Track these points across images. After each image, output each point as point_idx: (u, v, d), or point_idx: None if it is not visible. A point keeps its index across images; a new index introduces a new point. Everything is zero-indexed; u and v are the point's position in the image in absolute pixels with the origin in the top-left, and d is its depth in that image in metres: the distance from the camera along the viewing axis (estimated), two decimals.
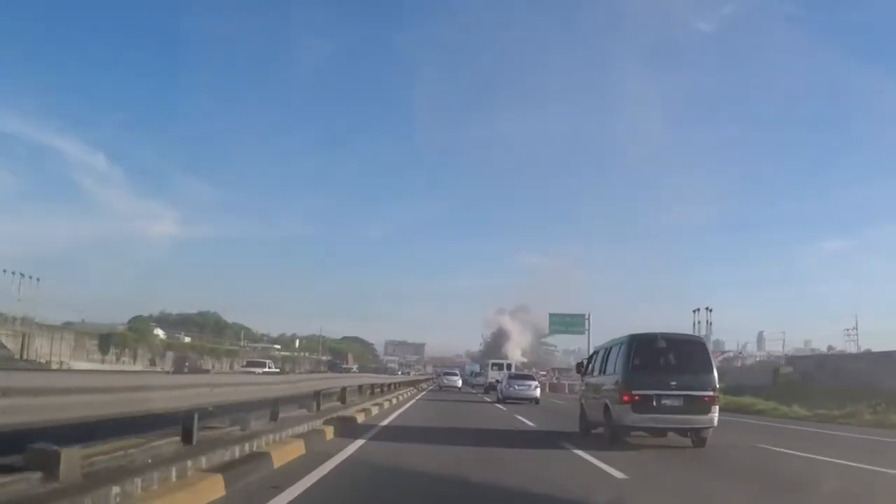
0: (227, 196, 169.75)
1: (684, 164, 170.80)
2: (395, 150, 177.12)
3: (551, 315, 77.97)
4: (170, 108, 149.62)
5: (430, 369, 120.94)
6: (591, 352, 15.70)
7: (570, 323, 75.37)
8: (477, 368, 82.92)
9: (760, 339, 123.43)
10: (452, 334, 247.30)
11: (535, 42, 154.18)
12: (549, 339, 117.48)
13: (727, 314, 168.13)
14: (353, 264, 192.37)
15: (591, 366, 15.25)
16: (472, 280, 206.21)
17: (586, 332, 73.64)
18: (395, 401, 24.68)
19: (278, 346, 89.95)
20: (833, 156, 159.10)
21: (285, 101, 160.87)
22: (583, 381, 16.07)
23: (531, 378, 33.61)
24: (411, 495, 7.34)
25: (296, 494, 6.53)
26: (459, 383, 52.66)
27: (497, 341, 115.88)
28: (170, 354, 57.27)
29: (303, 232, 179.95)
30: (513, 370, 44.81)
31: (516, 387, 30.56)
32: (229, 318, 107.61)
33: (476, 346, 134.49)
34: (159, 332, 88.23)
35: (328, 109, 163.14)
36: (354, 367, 74.58)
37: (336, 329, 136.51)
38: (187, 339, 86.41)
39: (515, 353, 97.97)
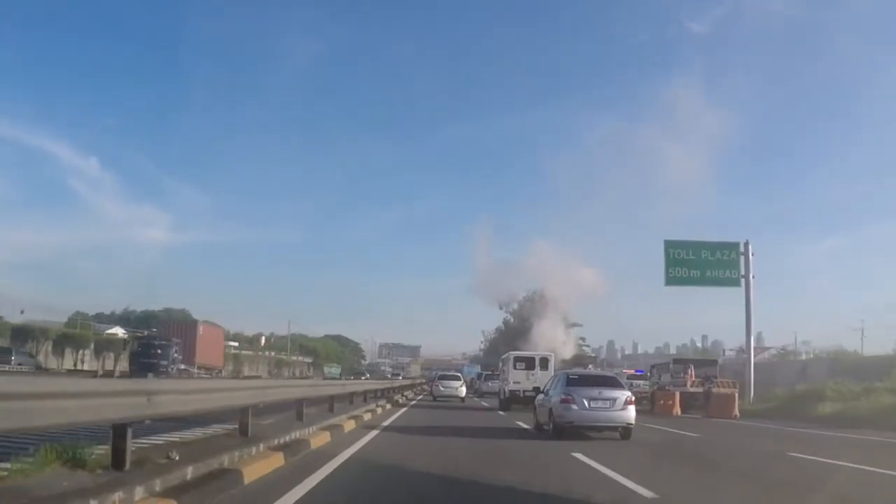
0: (217, 199, 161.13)
1: None
2: (389, 150, 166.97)
3: (668, 244, 35.81)
4: (161, 112, 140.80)
5: (417, 371, 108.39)
6: None
7: (709, 262, 35.20)
8: (478, 370, 66.36)
9: (759, 338, 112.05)
10: (449, 338, 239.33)
11: (532, 39, 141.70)
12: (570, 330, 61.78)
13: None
14: (345, 267, 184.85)
15: None
16: (468, 279, 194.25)
17: (742, 279, 35.26)
18: (300, 453, 9.49)
19: (235, 343, 77.86)
20: None
21: (274, 102, 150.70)
22: None
23: (617, 384, 16.24)
24: None
25: None
26: (463, 392, 36.81)
27: (520, 321, 60.87)
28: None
29: (294, 234, 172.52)
30: (551, 369, 27.19)
31: (586, 403, 14.82)
32: (200, 315, 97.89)
33: (476, 346, 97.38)
34: (118, 331, 78.13)
35: (317, 111, 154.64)
36: (176, 356, 39.21)
37: (327, 331, 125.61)
38: None
39: (556, 335, 48.00)
